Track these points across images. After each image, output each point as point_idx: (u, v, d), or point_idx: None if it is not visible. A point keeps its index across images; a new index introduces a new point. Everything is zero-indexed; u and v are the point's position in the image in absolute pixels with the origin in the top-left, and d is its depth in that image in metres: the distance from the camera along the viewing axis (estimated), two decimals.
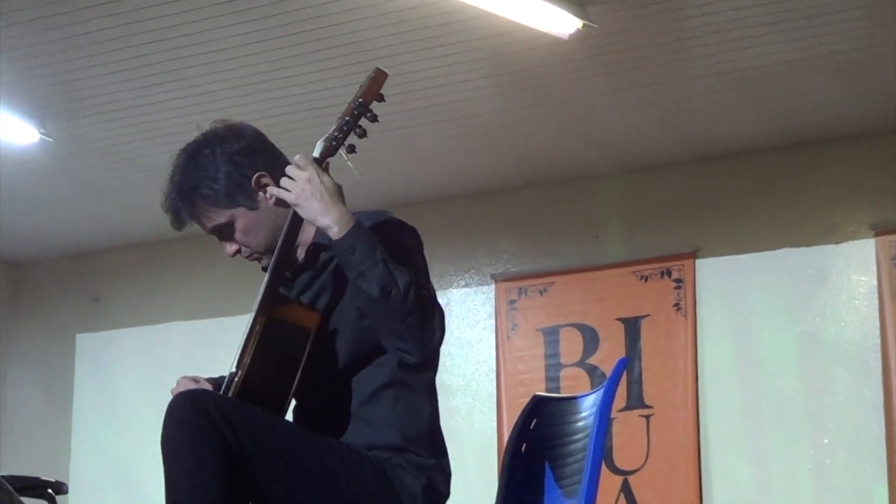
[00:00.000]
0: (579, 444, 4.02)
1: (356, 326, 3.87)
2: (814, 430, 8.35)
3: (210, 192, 3.94)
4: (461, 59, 7.46)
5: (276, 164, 3.92)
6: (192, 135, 4.03)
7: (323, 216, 3.74)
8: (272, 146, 4.02)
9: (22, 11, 6.85)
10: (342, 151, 3.83)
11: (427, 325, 3.76)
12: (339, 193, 3.77)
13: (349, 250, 3.72)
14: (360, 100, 3.78)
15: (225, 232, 3.99)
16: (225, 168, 3.93)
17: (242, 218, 3.96)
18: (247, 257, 4.03)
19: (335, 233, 3.72)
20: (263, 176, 3.91)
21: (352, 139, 3.82)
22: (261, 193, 3.90)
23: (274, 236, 3.90)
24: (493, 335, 9.22)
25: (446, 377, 8.95)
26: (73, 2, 6.79)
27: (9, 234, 10.06)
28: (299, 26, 7.02)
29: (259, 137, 4.02)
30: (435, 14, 6.91)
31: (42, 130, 8.24)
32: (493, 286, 9.27)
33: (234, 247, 4.01)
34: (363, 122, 3.80)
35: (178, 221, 4.03)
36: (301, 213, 3.77)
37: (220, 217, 3.96)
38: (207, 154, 3.96)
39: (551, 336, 9.04)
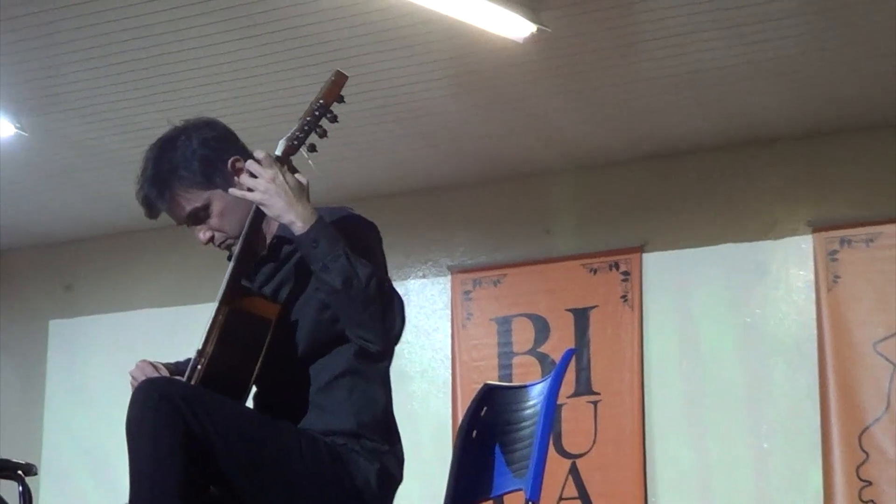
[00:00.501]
0: (527, 431, 4.03)
1: (315, 318, 3.88)
2: (753, 417, 8.38)
3: (187, 174, 3.92)
4: (420, 61, 7.46)
5: (245, 155, 3.92)
6: (161, 130, 4.02)
7: (286, 213, 3.75)
8: (241, 141, 4.02)
9: None
10: (303, 150, 3.84)
11: (388, 315, 3.77)
12: (301, 190, 3.78)
13: (313, 244, 3.72)
14: (321, 101, 3.80)
15: (200, 216, 3.97)
16: (201, 151, 3.93)
17: (219, 200, 3.95)
18: (219, 244, 4.01)
19: (299, 227, 3.73)
20: (238, 160, 3.91)
21: (313, 138, 3.82)
22: (236, 177, 3.87)
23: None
24: (449, 324, 9.22)
25: (404, 364, 8.95)
26: (49, 5, 6.76)
27: None
28: (265, 28, 7.00)
29: (230, 130, 4.03)
30: (394, 17, 6.91)
31: (17, 125, 8.22)
32: (449, 277, 9.27)
33: (209, 233, 3.99)
34: (324, 122, 3.80)
35: (152, 210, 4.02)
36: (266, 210, 3.78)
37: (197, 200, 3.95)
38: (183, 139, 3.96)
39: (504, 325, 9.06)
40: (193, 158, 3.93)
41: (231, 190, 3.83)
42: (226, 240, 3.99)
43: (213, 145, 3.93)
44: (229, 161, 3.91)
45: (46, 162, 8.87)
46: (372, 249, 3.90)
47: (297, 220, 3.73)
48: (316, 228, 3.73)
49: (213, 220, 3.97)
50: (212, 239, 4.00)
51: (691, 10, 6.88)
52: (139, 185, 3.99)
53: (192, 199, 3.95)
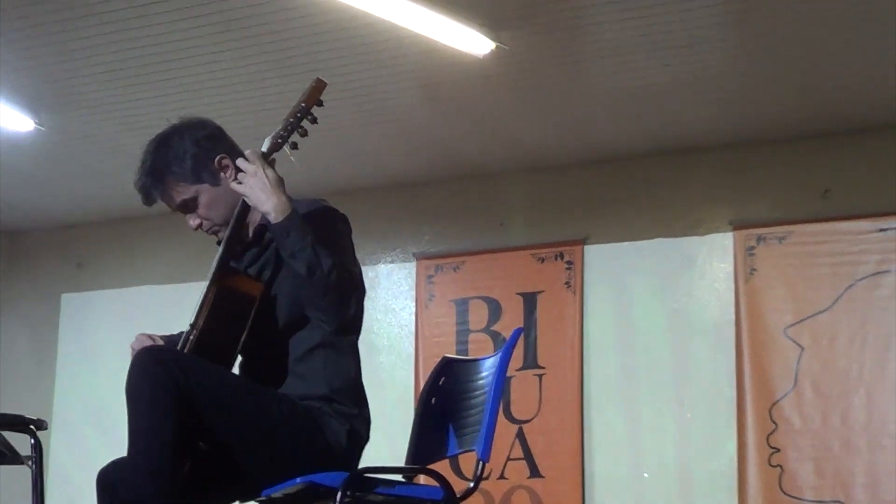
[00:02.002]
0: (480, 399, 4.03)
1: (292, 296, 3.88)
2: (678, 391, 8.38)
3: (179, 170, 3.94)
4: (392, 72, 7.43)
5: (233, 152, 3.96)
6: (163, 126, 4.05)
7: (264, 204, 3.77)
8: (230, 137, 4.04)
9: (22, 20, 6.78)
10: (286, 148, 3.85)
11: (343, 301, 3.78)
12: (280, 185, 3.80)
13: (284, 234, 3.74)
14: (303, 104, 3.82)
15: (190, 206, 3.99)
16: (192, 150, 3.94)
17: (206, 193, 3.96)
18: (207, 230, 4.03)
19: (273, 218, 3.76)
20: (224, 158, 3.93)
21: (295, 137, 3.84)
22: (222, 173, 3.92)
23: (232, 211, 3.92)
24: (414, 304, 9.20)
25: (374, 338, 8.93)
26: (66, 13, 6.72)
27: (6, 207, 9.99)
28: (259, 40, 6.99)
29: (220, 129, 4.05)
30: (372, 33, 6.88)
31: (37, 121, 8.17)
32: (414, 263, 9.25)
33: (197, 220, 4.01)
34: (305, 123, 3.82)
35: (148, 198, 4.03)
36: (248, 200, 3.81)
37: (187, 192, 3.96)
38: (176, 139, 3.97)
39: (462, 306, 9.04)
40: (186, 156, 3.95)
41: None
42: (212, 227, 4.03)
43: (204, 144, 3.95)
44: (216, 159, 3.94)
45: (62, 154, 8.82)
46: (340, 239, 3.90)
47: (272, 211, 3.74)
48: (289, 220, 3.74)
49: (201, 210, 4.00)
50: (200, 226, 4.04)
51: (630, 33, 6.88)
52: (138, 176, 4.01)
53: (182, 192, 3.98)
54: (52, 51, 7.20)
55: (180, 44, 7.05)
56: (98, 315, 10.14)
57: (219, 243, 3.98)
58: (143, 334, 4.02)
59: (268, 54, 7.11)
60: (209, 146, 3.96)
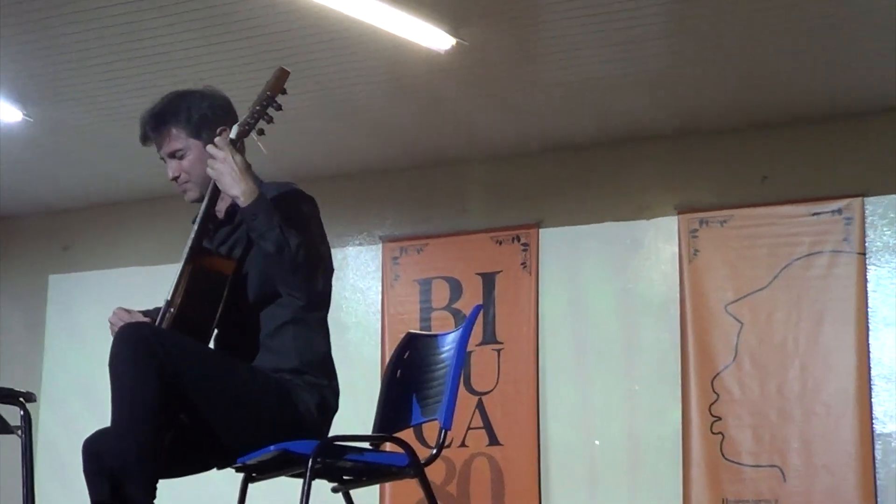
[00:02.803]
0: (442, 372, 4.03)
1: (263, 273, 3.88)
2: (626, 363, 8.40)
3: (185, 118, 3.94)
4: (358, 66, 7.41)
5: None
6: None
7: (232, 188, 3.78)
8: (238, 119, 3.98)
9: (12, 16, 6.73)
10: (253, 134, 3.85)
11: (311, 277, 3.79)
12: (247, 170, 3.81)
13: (252, 216, 3.74)
14: (268, 93, 3.82)
15: (177, 155, 3.98)
16: (204, 110, 3.95)
17: (196, 150, 3.94)
18: (180, 183, 4.01)
19: (241, 202, 3.75)
20: (224, 130, 3.90)
21: (261, 125, 3.83)
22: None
23: (207, 180, 3.87)
24: (380, 284, 9.18)
25: (342, 316, 8.92)
26: (54, 10, 6.67)
27: None
28: (235, 35, 6.96)
29: (234, 110, 4.03)
30: (340, 29, 6.86)
31: (25, 112, 8.12)
32: (380, 245, 9.23)
33: (177, 172, 4.00)
34: (270, 111, 3.82)
35: (145, 137, 4.04)
36: (218, 185, 3.80)
37: (180, 142, 3.96)
38: (196, 97, 3.99)
39: (425, 286, 9.03)
40: (196, 112, 3.95)
41: (208, 147, 3.83)
42: (187, 182, 4.01)
43: (216, 111, 3.95)
44: (218, 128, 3.90)
45: (48, 144, 8.76)
46: (306, 219, 3.89)
47: (240, 195, 3.74)
48: (256, 203, 3.73)
49: (185, 164, 3.98)
50: (177, 178, 4.01)
51: (581, 30, 6.88)
52: (146, 112, 4.02)
53: (176, 140, 3.97)
54: (40, 45, 7.15)
55: (163, 39, 7.01)
56: (84, 295, 10.09)
57: (193, 222, 3.96)
58: (120, 308, 4.01)
59: (245, 49, 7.08)
60: (219, 115, 3.94)
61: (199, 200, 3.99)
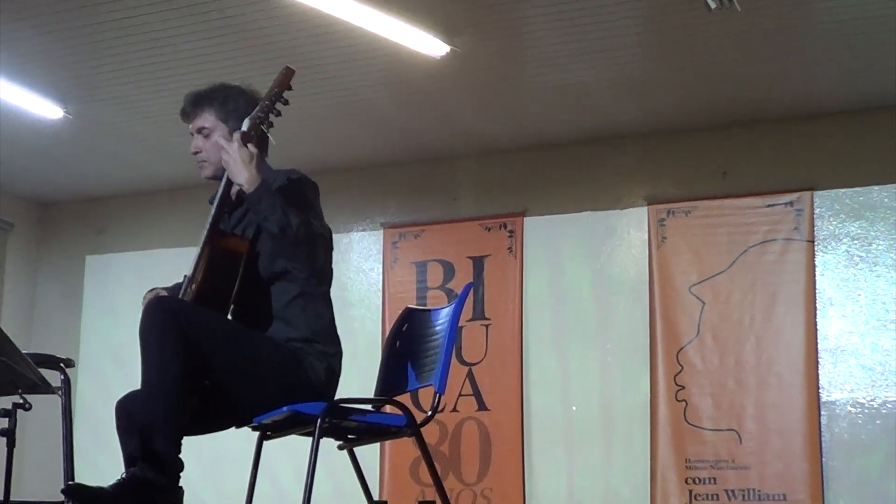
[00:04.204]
0: (436, 343, 4.04)
1: (271, 251, 3.89)
2: (601, 338, 8.40)
3: (219, 103, 3.98)
4: (362, 69, 7.40)
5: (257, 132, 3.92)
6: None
7: (238, 177, 3.81)
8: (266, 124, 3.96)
9: (52, 23, 6.75)
10: (263, 127, 3.86)
11: (312, 253, 3.83)
12: (253, 160, 3.81)
13: (257, 201, 3.76)
14: (276, 89, 3.82)
15: (202, 132, 4.00)
16: (239, 103, 3.95)
17: (219, 132, 3.96)
18: (198, 160, 4.04)
19: (246, 189, 3.77)
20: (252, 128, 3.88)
21: (271, 118, 3.84)
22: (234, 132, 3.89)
23: (221, 164, 3.89)
24: (381, 266, 9.17)
25: (347, 294, 8.92)
26: (91, 17, 6.68)
27: (39, 182, 9.93)
28: (245, 43, 6.96)
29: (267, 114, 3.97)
30: (346, 37, 6.86)
31: (65, 110, 8.11)
32: (381, 231, 9.22)
33: (198, 147, 4.02)
34: (278, 105, 3.82)
35: (184, 112, 4.07)
36: (228, 172, 3.83)
37: (208, 122, 3.98)
38: (237, 90, 4.02)
39: (421, 268, 9.02)
40: (231, 102, 3.98)
41: (221, 139, 3.90)
42: (204, 161, 4.04)
43: (248, 107, 3.91)
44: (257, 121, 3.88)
45: (86, 138, 8.74)
46: (307, 201, 3.90)
47: (245, 183, 3.77)
48: (258, 190, 3.74)
49: (208, 143, 4.00)
50: (197, 153, 4.04)
51: (563, 39, 6.88)
52: (190, 92, 4.07)
53: (205, 120, 4.00)
54: (79, 50, 7.14)
55: (189, 45, 7.01)
56: (116, 273, 10.08)
57: (210, 201, 4.00)
58: (155, 289, 4.03)
59: (258, 55, 7.06)
60: (250, 111, 3.90)
61: (213, 178, 4.02)
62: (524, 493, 8.39)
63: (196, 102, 4.03)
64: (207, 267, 3.84)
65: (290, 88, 3.81)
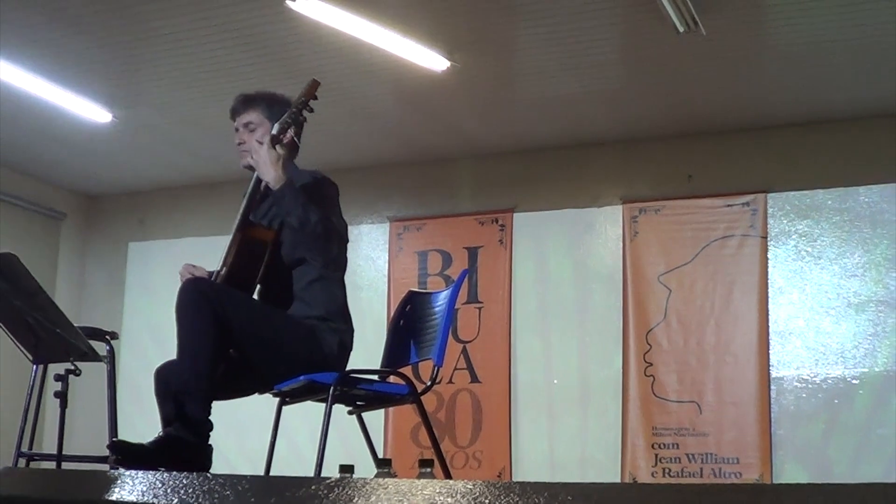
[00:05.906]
0: (436, 322, 4.05)
1: (293, 241, 3.90)
2: (580, 321, 8.40)
3: (266, 104, 4.01)
4: (374, 81, 7.40)
5: (296, 140, 3.95)
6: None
7: (265, 175, 3.83)
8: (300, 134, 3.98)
9: (104, 37, 6.75)
10: (291, 132, 3.87)
11: (327, 246, 3.86)
12: (278, 160, 3.83)
13: (281, 198, 3.78)
14: (303, 98, 3.82)
15: (248, 127, 4.01)
16: (283, 111, 3.91)
17: (262, 129, 3.97)
18: (240, 150, 4.03)
19: (272, 185, 3.80)
20: (293, 135, 3.91)
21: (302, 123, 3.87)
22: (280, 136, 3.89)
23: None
24: (387, 255, 9.17)
25: (357, 279, 8.90)
26: (139, 32, 6.68)
27: (87, 178, 9.90)
28: (268, 57, 6.96)
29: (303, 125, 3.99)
30: (358, 52, 6.85)
31: (113, 114, 8.10)
32: (388, 224, 9.22)
33: (242, 140, 4.03)
34: (304, 112, 3.84)
35: (233, 109, 4.08)
36: (256, 170, 3.84)
37: (255, 119, 4.00)
38: (282, 97, 4.04)
39: (423, 257, 9.02)
40: (277, 107, 3.99)
41: (253, 142, 3.91)
42: (244, 151, 4.02)
43: (294, 115, 3.87)
44: (288, 129, 3.88)
45: (130, 139, 8.73)
46: (326, 199, 3.92)
47: (271, 181, 3.80)
48: (283, 187, 3.76)
49: (251, 137, 4.00)
50: (240, 144, 4.04)
51: (550, 56, 6.88)
52: (242, 94, 4.11)
53: (252, 116, 4.03)
54: (126, 61, 7.13)
55: (223, 58, 7.00)
56: (156, 259, 10.08)
57: (243, 196, 3.99)
58: (188, 264, 4.05)
59: (281, 69, 7.07)
60: (293, 120, 3.88)
61: (249, 168, 4.01)
62: (510, 456, 8.40)
63: (246, 101, 4.07)
64: (238, 252, 3.86)
65: (315, 98, 3.82)
